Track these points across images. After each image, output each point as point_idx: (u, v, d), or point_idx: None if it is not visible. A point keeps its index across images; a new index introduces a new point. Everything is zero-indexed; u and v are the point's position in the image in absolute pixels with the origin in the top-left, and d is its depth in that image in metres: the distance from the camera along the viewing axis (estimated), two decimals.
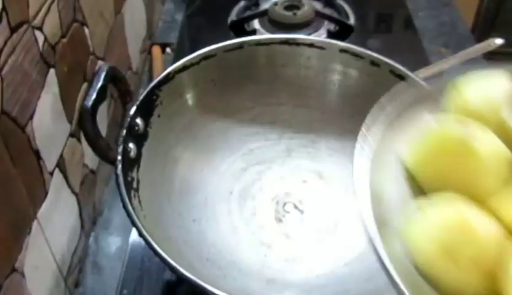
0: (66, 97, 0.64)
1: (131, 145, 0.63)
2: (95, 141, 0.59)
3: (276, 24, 1.03)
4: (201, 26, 1.11)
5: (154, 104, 0.69)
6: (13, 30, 0.51)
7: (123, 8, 0.88)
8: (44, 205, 0.59)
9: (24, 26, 0.54)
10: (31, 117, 0.56)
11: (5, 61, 0.50)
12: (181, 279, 0.53)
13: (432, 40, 1.07)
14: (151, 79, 0.92)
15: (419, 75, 0.72)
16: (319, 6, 1.08)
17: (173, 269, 0.51)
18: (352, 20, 1.06)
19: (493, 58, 1.10)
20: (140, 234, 0.54)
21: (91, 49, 0.72)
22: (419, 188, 0.38)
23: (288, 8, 1.04)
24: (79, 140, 0.69)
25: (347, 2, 1.11)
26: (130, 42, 0.92)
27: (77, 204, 0.69)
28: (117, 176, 0.58)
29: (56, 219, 0.63)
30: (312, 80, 0.78)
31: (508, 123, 0.37)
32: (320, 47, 0.77)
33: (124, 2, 0.88)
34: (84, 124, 0.57)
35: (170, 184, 0.69)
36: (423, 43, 1.04)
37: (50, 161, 0.61)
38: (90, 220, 0.74)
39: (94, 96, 0.58)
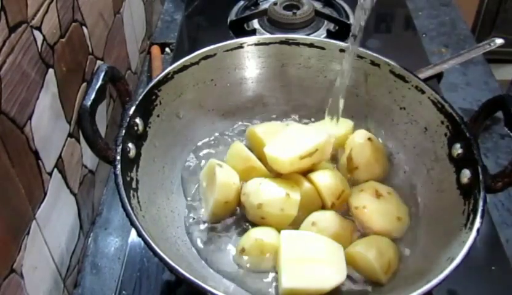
0: (65, 97, 0.64)
1: (130, 145, 0.62)
2: (93, 141, 0.58)
3: (275, 24, 1.03)
4: (200, 26, 1.11)
5: (153, 104, 0.68)
6: (11, 30, 0.51)
7: (122, 8, 0.88)
8: (43, 206, 0.59)
9: (23, 26, 0.54)
10: (30, 117, 0.55)
11: (4, 61, 0.50)
12: (180, 280, 0.52)
13: (432, 40, 1.07)
14: (150, 79, 0.92)
15: (419, 75, 0.72)
16: (318, 6, 1.08)
17: (172, 269, 0.51)
18: (352, 20, 1.06)
19: (493, 58, 1.11)
20: (139, 234, 0.54)
21: (90, 49, 0.72)
22: None
23: (287, 7, 1.04)
24: (78, 140, 0.69)
25: (346, 2, 1.11)
26: (129, 42, 0.92)
27: (76, 205, 0.69)
28: (116, 176, 0.58)
29: (55, 220, 0.62)
30: (312, 80, 0.78)
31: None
32: (320, 47, 0.76)
33: (123, 2, 0.88)
34: (82, 124, 0.57)
35: (169, 184, 0.68)
36: (423, 43, 1.04)
37: (48, 161, 0.60)
38: (89, 221, 0.74)
39: (93, 96, 0.57)
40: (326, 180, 0.65)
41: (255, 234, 0.62)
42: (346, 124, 0.74)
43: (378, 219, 0.63)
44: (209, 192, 0.66)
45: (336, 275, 0.58)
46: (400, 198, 0.67)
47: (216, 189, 0.63)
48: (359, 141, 0.69)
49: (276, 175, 0.67)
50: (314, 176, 0.66)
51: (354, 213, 0.64)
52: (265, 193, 0.63)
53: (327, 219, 0.63)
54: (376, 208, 0.64)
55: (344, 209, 0.66)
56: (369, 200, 0.64)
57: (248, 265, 0.61)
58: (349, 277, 0.59)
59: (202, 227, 0.66)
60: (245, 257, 0.61)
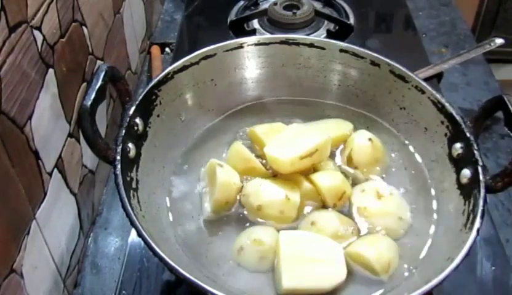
0: (65, 97, 0.64)
1: (130, 145, 0.62)
2: (93, 141, 0.58)
3: (275, 24, 1.03)
4: (200, 26, 1.11)
5: (153, 104, 0.68)
6: (11, 30, 0.51)
7: (122, 8, 0.88)
8: (43, 205, 0.59)
9: (23, 26, 0.54)
10: (30, 117, 0.55)
11: (4, 61, 0.50)
12: (180, 280, 0.52)
13: (432, 40, 1.07)
14: (150, 79, 0.92)
15: (419, 75, 0.72)
16: (318, 6, 1.08)
17: (172, 269, 0.51)
18: (352, 20, 1.06)
19: (493, 58, 1.11)
20: (139, 234, 0.54)
21: (90, 49, 0.72)
22: None
23: (287, 7, 1.04)
24: (78, 140, 0.69)
25: (347, 2, 1.11)
26: (129, 42, 0.92)
27: (76, 205, 0.69)
28: (116, 176, 0.58)
29: (55, 220, 0.62)
30: (312, 80, 0.78)
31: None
32: (320, 47, 0.76)
33: (123, 2, 0.88)
34: (82, 124, 0.57)
35: (169, 184, 0.68)
36: (423, 43, 1.04)
37: (49, 161, 0.60)
38: (89, 221, 0.74)
39: (93, 96, 0.57)
40: (327, 181, 0.65)
41: (254, 234, 0.62)
42: (345, 125, 0.74)
43: (379, 220, 0.63)
44: (210, 191, 0.66)
45: (336, 274, 0.58)
46: (402, 198, 0.67)
47: (217, 189, 0.63)
48: (359, 141, 0.69)
49: (276, 175, 0.67)
50: (316, 177, 0.66)
51: (355, 213, 0.65)
52: (265, 195, 0.63)
53: (327, 218, 0.63)
54: (377, 208, 0.64)
55: (345, 209, 0.66)
56: (370, 201, 0.64)
57: (246, 265, 0.61)
58: (349, 276, 0.59)
59: (202, 226, 0.66)
60: (243, 256, 0.61)
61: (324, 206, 0.66)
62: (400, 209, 0.65)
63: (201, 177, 0.69)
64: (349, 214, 0.65)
